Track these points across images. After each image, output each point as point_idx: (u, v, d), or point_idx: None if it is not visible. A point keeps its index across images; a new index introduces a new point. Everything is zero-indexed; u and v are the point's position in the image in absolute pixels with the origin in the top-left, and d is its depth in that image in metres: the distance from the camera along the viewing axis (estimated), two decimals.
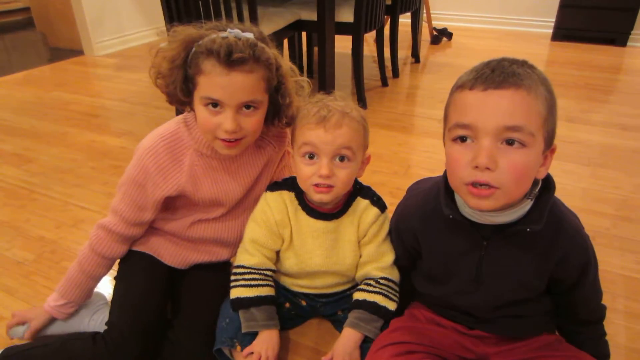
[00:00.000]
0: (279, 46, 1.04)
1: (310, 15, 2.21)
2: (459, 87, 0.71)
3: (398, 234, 0.93)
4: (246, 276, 0.95)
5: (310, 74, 2.76)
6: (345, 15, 2.20)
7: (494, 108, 0.66)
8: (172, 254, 1.03)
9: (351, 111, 0.88)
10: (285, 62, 0.94)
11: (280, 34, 2.14)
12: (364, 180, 0.99)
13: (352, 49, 2.28)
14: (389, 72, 2.80)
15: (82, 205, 1.55)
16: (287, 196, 0.96)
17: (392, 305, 0.93)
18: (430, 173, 0.95)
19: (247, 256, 0.97)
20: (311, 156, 0.88)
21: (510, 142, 0.66)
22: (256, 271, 0.96)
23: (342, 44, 2.59)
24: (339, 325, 1.01)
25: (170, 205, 1.01)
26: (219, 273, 1.05)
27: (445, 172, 0.78)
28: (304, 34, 2.99)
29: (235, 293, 0.94)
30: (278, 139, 1.04)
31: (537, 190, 0.73)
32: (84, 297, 1.01)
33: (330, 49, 2.10)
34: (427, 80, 2.84)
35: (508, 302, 0.82)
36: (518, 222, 0.74)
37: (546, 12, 3.78)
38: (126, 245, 1.00)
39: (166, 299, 1.01)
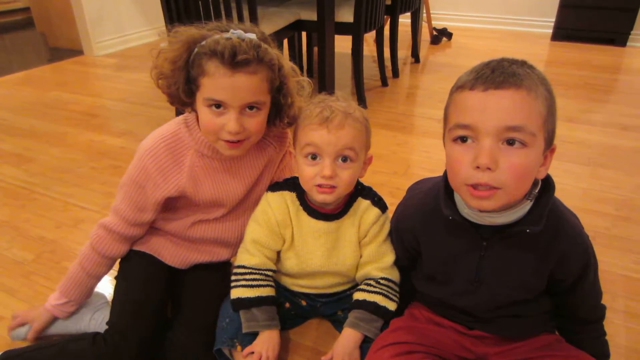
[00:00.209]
0: (279, 46, 1.04)
1: (310, 15, 2.21)
2: (459, 87, 0.71)
3: (398, 234, 0.93)
4: (247, 276, 0.95)
5: (310, 74, 2.76)
6: (345, 15, 2.20)
7: (494, 108, 0.66)
8: (173, 253, 1.03)
9: (354, 112, 0.88)
10: (287, 62, 0.94)
11: (280, 34, 2.14)
12: (364, 180, 0.99)
13: (352, 49, 2.29)
14: (388, 72, 2.80)
15: (82, 205, 1.55)
16: (289, 196, 0.96)
17: (392, 306, 0.93)
18: (430, 173, 0.95)
19: (248, 256, 0.97)
20: (314, 157, 0.88)
21: (510, 142, 0.66)
22: (257, 271, 0.96)
23: (342, 44, 2.59)
24: (338, 325, 1.01)
25: (171, 205, 1.01)
26: (219, 273, 1.05)
27: (445, 172, 0.78)
28: (303, 34, 2.99)
29: (236, 293, 0.94)
30: (279, 139, 1.04)
31: (536, 191, 0.73)
32: (85, 296, 1.01)
33: (330, 49, 2.10)
34: (427, 80, 2.84)
35: (508, 302, 0.82)
36: (518, 223, 0.74)
37: (546, 12, 3.78)
38: (127, 244, 1.00)
39: (166, 298, 1.01)
